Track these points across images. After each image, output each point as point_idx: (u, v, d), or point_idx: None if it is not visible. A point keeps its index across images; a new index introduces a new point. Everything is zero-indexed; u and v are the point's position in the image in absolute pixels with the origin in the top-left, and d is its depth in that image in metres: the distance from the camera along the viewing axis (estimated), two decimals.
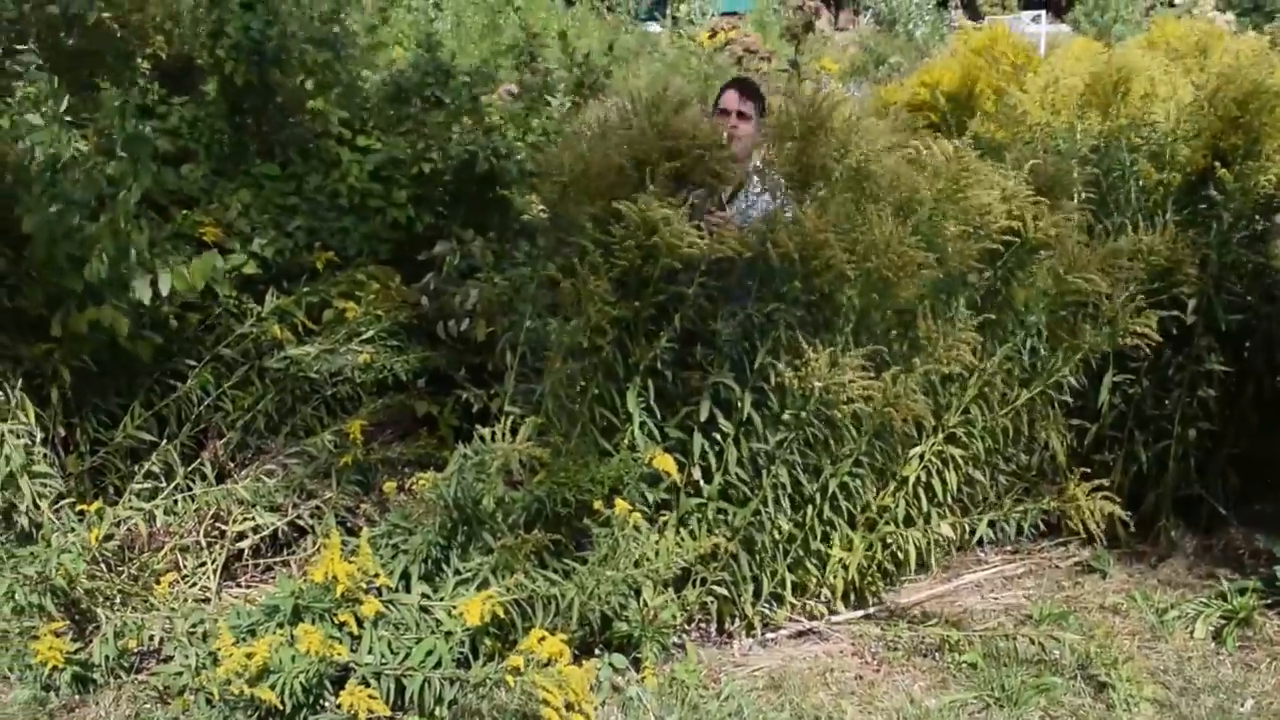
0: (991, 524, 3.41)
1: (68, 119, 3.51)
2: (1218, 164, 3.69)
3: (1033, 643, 3.20)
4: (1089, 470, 3.71)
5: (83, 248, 3.28)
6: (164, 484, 3.50)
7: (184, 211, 3.89)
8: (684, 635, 3.24)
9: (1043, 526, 3.69)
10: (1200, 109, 3.74)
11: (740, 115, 3.56)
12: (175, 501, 3.48)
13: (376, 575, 2.78)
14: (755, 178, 3.38)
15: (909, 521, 3.30)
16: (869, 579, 3.40)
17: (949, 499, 3.29)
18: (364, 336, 4.07)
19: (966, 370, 3.17)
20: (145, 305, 3.38)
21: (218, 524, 3.54)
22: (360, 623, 2.70)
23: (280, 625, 2.77)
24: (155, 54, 4.41)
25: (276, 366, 3.89)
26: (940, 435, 3.24)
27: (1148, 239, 3.51)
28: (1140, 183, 3.82)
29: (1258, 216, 3.72)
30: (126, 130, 3.42)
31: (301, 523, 3.64)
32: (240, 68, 4.24)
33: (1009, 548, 3.93)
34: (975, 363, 3.15)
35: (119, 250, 3.29)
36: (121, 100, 3.45)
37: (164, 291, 3.38)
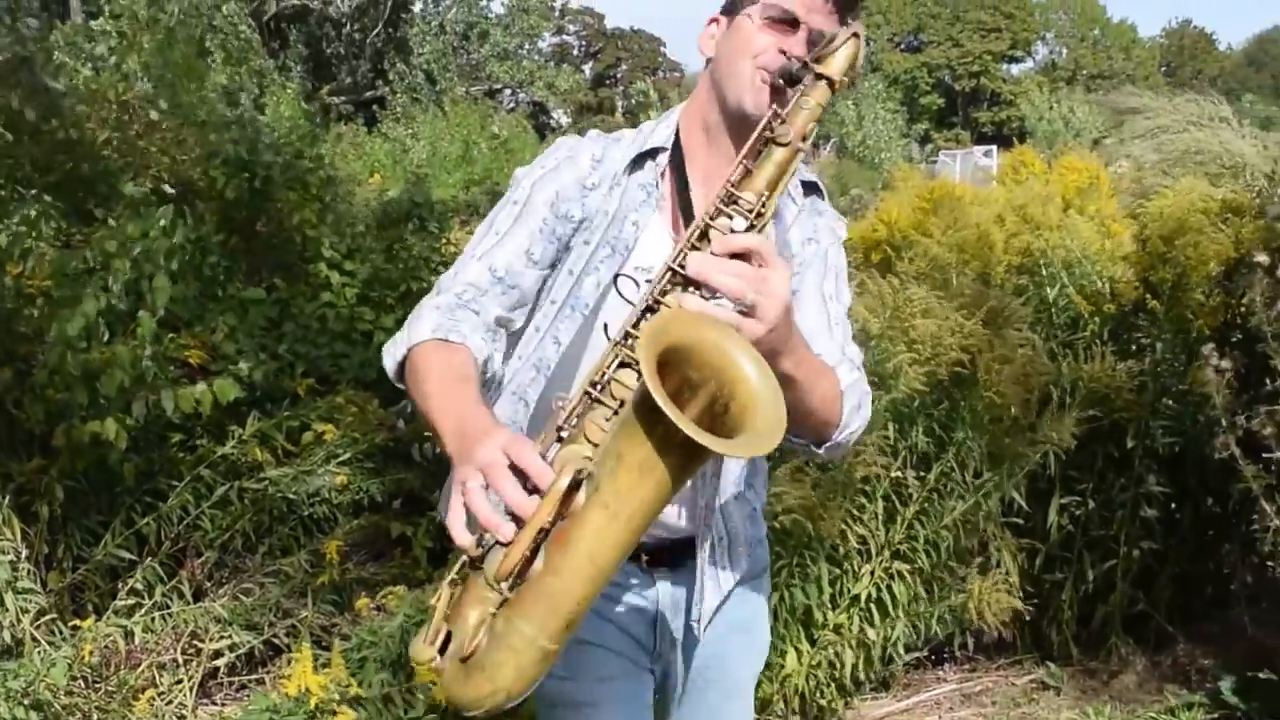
0: (916, 629, 3.53)
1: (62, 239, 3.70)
2: (1149, 296, 3.94)
3: None
4: (1039, 590, 3.90)
5: (95, 362, 3.42)
6: (143, 601, 3.59)
7: (170, 334, 4.04)
8: None
9: (996, 644, 3.83)
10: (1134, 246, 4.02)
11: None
12: (153, 619, 3.56)
13: (349, 686, 2.88)
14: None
15: (863, 638, 3.43)
16: (827, 696, 3.50)
17: (900, 614, 3.42)
18: (341, 459, 4.20)
19: (913, 490, 3.35)
20: (139, 425, 3.51)
21: (195, 642, 3.61)
22: None
23: None
24: (157, 176, 4.59)
25: (255, 487, 4.01)
26: (888, 551, 3.39)
27: (1087, 368, 3.74)
28: (1059, 316, 4.06)
29: (1184, 345, 3.93)
30: (153, 248, 3.57)
31: (277, 641, 3.72)
32: (233, 184, 4.46)
33: (967, 666, 4.05)
34: (916, 482, 3.34)
35: (134, 367, 3.43)
36: (157, 220, 3.61)
37: (168, 411, 3.52)
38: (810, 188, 1.81)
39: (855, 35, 1.46)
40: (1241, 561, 3.96)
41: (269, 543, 4.02)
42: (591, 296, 1.66)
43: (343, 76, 26.92)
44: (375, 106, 21.40)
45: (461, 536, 1.21)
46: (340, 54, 27.68)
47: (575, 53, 65.06)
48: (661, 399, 1.14)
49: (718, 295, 1.35)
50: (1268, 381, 3.45)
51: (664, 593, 1.77)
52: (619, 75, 68.12)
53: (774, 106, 1.46)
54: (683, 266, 1.37)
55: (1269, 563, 3.42)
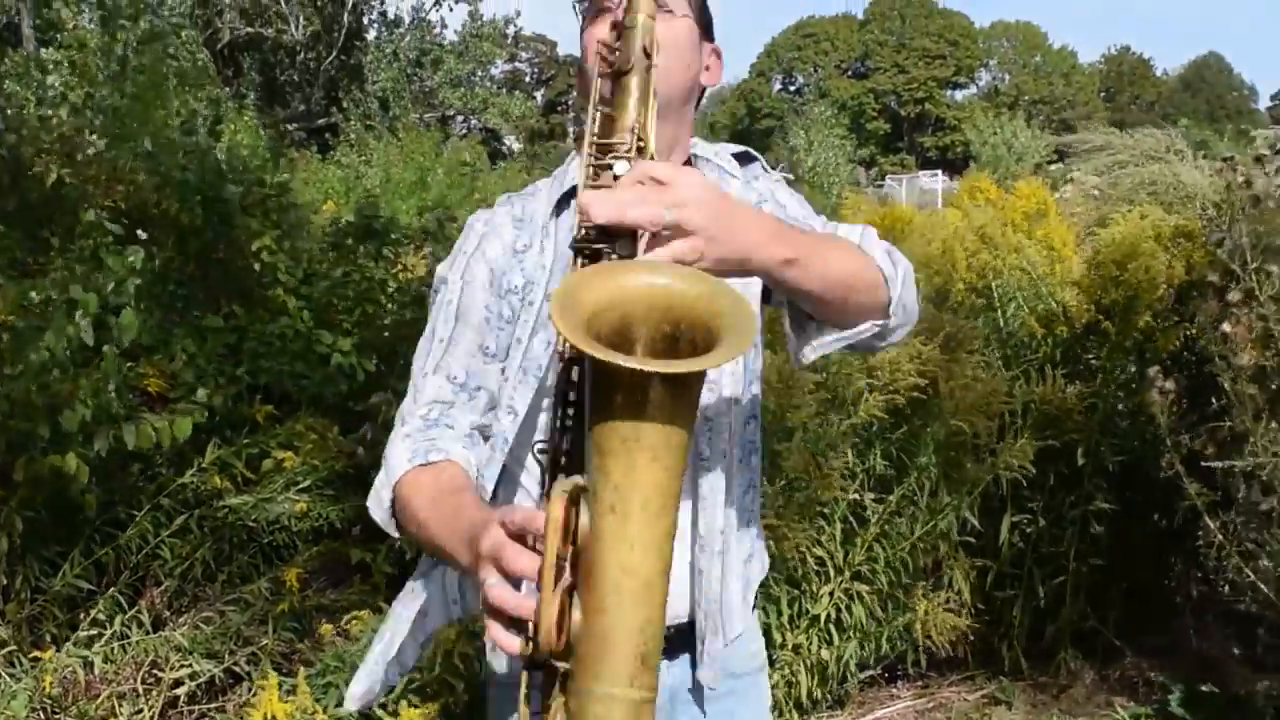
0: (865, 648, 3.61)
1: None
2: (1101, 318, 4.05)
3: None
4: (991, 606, 3.98)
5: (58, 395, 3.40)
6: (103, 631, 3.57)
7: (129, 363, 4.03)
8: None
9: (951, 658, 3.90)
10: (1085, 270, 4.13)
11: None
12: (113, 649, 3.55)
13: (315, 713, 2.89)
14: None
15: (822, 658, 3.49)
16: (785, 715, 3.55)
17: (857, 634, 3.49)
18: (301, 486, 4.21)
19: (872, 512, 3.42)
20: (102, 457, 3.50)
21: (155, 671, 3.60)
22: None
23: None
24: (114, 205, 4.57)
25: (215, 515, 4.00)
26: (848, 573, 3.45)
27: (1039, 390, 3.84)
28: (1012, 338, 4.16)
29: (1135, 365, 4.04)
30: (123, 283, 3.57)
31: (238, 669, 3.72)
32: (189, 211, 4.46)
33: (920, 683, 4.11)
34: (876, 505, 3.41)
35: (98, 400, 3.42)
36: (127, 258, 3.61)
37: (130, 445, 3.51)
38: (744, 158, 1.67)
39: None
40: (1187, 576, 4.07)
41: (229, 571, 4.02)
42: (544, 356, 1.48)
43: (296, 104, 26.88)
44: (329, 134, 21.39)
45: (507, 642, 1.05)
46: (294, 81, 27.65)
47: (527, 79, 65.26)
48: (593, 348, 0.98)
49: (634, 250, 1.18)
50: (1213, 401, 3.55)
51: (666, 679, 1.46)
52: (570, 102, 68.33)
53: (600, 40, 1.33)
54: (588, 241, 1.19)
55: (1213, 577, 3.52)
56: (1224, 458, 3.30)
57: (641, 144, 1.25)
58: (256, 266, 4.65)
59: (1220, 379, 3.41)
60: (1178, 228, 4.02)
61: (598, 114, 1.29)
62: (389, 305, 5.11)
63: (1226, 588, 3.44)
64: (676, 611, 1.53)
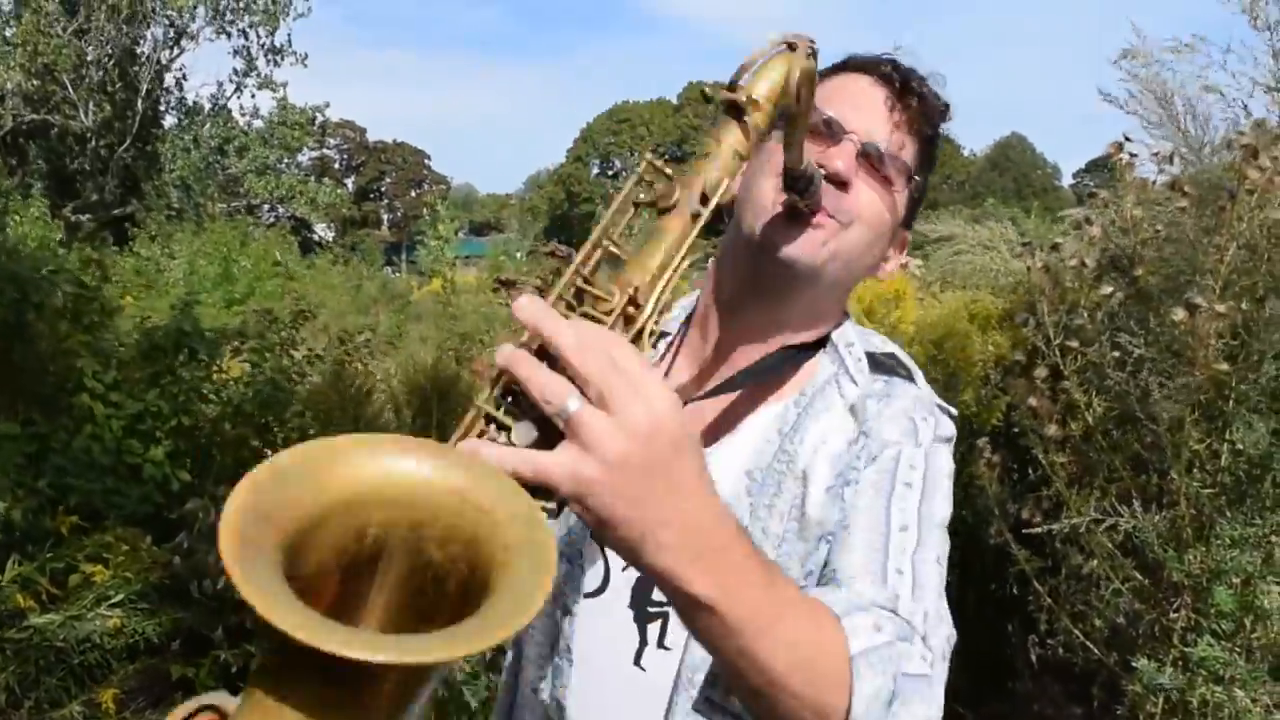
0: None
1: None
2: None
3: None
4: None
5: None
6: None
7: None
8: None
9: None
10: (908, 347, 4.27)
11: (874, 169, 1.25)
12: None
13: None
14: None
15: None
16: None
17: None
18: (113, 600, 3.98)
19: None
20: None
21: None
22: None
23: None
24: None
25: (18, 636, 3.74)
26: None
27: None
28: None
29: (962, 440, 4.17)
30: None
31: None
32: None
33: None
34: None
35: None
36: None
37: None
38: (882, 364, 1.28)
39: (788, 46, 0.95)
40: (1024, 640, 4.17)
41: (36, 696, 3.77)
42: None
43: (89, 193, 25.88)
44: (127, 223, 20.66)
45: None
46: (85, 170, 26.64)
47: (337, 166, 64.68)
48: (276, 608, 0.62)
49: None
50: (1032, 471, 3.69)
51: None
52: (383, 188, 67.99)
53: (649, 156, 0.98)
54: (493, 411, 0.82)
55: (1049, 640, 3.62)
56: (1047, 525, 3.42)
57: (632, 310, 0.89)
58: (60, 370, 4.42)
59: (1034, 451, 3.54)
60: (1004, 311, 4.21)
61: (598, 249, 0.94)
62: (206, 409, 4.90)
63: (1061, 649, 3.53)
64: None
